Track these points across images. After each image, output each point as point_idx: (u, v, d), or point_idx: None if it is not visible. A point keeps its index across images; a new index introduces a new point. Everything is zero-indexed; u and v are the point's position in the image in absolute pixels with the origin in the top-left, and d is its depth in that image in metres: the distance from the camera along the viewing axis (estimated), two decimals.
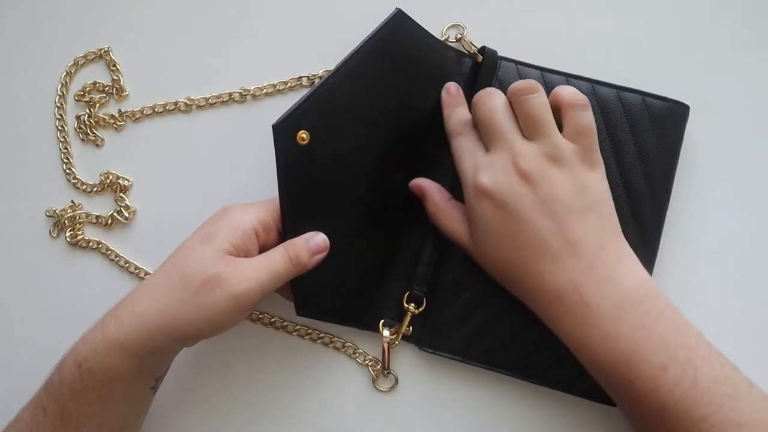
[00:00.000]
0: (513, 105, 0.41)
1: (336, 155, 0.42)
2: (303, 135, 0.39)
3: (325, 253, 0.42)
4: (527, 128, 0.41)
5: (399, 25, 0.43)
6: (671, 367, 0.36)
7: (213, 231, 0.40)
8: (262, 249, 0.41)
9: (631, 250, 0.40)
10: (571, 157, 0.40)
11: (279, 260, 0.40)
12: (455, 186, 0.45)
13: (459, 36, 0.48)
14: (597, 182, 0.40)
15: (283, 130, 0.39)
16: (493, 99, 0.42)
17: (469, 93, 0.46)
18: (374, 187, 0.44)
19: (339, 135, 0.42)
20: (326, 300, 0.44)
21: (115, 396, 0.39)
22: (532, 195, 0.39)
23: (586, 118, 0.40)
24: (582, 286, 0.38)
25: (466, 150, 0.42)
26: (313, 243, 0.41)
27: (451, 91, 0.46)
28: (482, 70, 0.46)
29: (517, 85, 0.41)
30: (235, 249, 0.39)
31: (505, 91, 0.45)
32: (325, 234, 0.42)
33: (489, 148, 0.41)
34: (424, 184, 0.45)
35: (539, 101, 0.40)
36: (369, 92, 0.42)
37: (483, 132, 0.42)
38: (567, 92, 0.41)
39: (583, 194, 0.39)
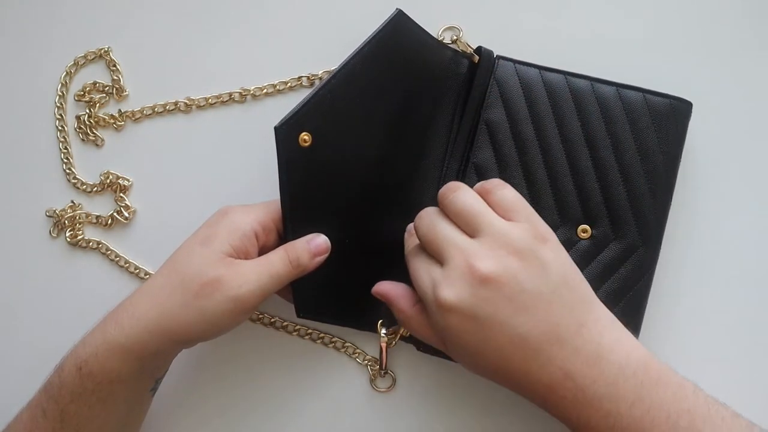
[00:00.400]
0: (445, 212, 0.40)
1: (336, 156, 0.42)
2: (305, 137, 0.39)
3: (326, 255, 0.41)
4: (467, 227, 0.38)
5: (399, 25, 0.43)
6: None
7: (212, 233, 0.40)
8: (262, 250, 0.41)
9: (610, 314, 0.38)
10: (520, 238, 0.37)
11: (279, 262, 0.40)
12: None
13: (455, 38, 0.48)
14: (556, 255, 0.38)
15: (286, 132, 0.39)
16: (426, 217, 0.40)
17: (467, 93, 0.46)
18: (373, 188, 0.44)
19: (339, 136, 0.42)
20: (326, 302, 0.44)
21: (116, 398, 0.39)
22: (499, 295, 0.36)
23: (507, 194, 0.39)
24: (572, 372, 0.36)
25: (420, 268, 0.39)
26: (314, 245, 0.41)
27: (410, 229, 0.43)
28: (479, 70, 0.46)
29: (440, 192, 0.40)
30: (235, 251, 0.39)
31: (505, 91, 0.45)
32: (326, 235, 0.42)
33: (441, 262, 0.38)
34: (388, 290, 0.42)
35: (464, 196, 0.39)
36: (369, 93, 0.42)
37: (430, 250, 0.39)
38: (479, 184, 0.40)
39: (547, 275, 0.37)
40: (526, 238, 0.37)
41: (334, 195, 0.42)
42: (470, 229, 0.38)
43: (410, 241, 0.43)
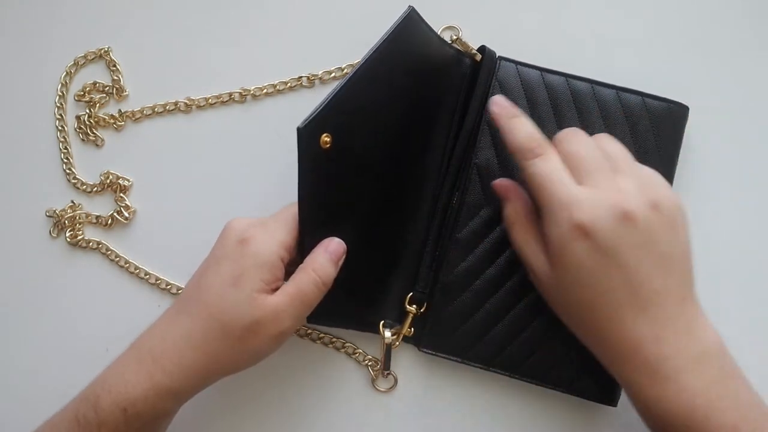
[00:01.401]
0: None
1: (351, 157, 0.41)
2: (326, 138, 0.38)
3: (344, 257, 0.41)
4: (614, 165, 0.39)
5: (412, 23, 0.43)
6: (742, 427, 0.35)
7: (240, 272, 0.39)
8: (286, 265, 0.41)
9: (700, 305, 0.39)
10: (666, 197, 0.37)
11: (312, 288, 0.39)
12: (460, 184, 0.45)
13: (454, 37, 0.48)
14: (686, 228, 0.38)
15: (308, 134, 0.37)
16: (581, 135, 0.40)
17: (468, 92, 0.46)
18: (382, 189, 0.44)
19: (355, 137, 0.41)
20: (334, 305, 0.43)
21: (157, 430, 0.41)
22: (633, 238, 0.36)
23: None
24: (663, 338, 0.36)
25: (555, 179, 0.38)
26: (333, 251, 0.41)
27: (501, 102, 0.41)
28: (481, 69, 0.46)
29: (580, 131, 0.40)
30: (267, 285, 0.39)
31: (507, 92, 0.45)
32: (339, 237, 0.41)
33: (581, 180, 0.38)
34: (510, 187, 0.42)
35: (613, 142, 0.40)
36: (382, 92, 0.42)
37: (576, 165, 0.38)
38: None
39: (677, 240, 0.37)
40: (669, 199, 0.37)
41: (347, 196, 0.42)
42: (614, 167, 0.38)
43: (520, 126, 0.40)
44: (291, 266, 0.41)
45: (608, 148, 0.39)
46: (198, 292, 0.40)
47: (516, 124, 0.40)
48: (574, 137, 0.39)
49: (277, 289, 0.39)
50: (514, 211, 0.42)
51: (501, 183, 0.43)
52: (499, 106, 0.41)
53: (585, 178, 0.38)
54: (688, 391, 0.36)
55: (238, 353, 0.39)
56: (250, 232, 0.40)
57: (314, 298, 0.40)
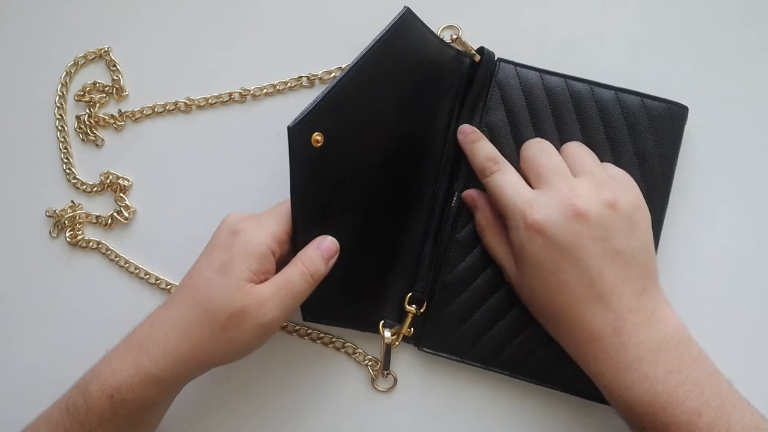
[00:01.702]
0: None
1: (345, 157, 0.41)
2: (317, 137, 0.39)
3: (336, 255, 0.41)
4: (572, 167, 0.41)
5: (407, 23, 0.43)
6: (705, 413, 0.36)
7: (229, 259, 0.39)
8: (278, 261, 0.41)
9: (664, 295, 0.40)
10: (622, 195, 0.40)
11: (299, 280, 0.39)
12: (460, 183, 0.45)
13: (454, 37, 0.48)
14: (646, 225, 0.40)
15: (299, 132, 0.38)
16: (538, 144, 0.43)
17: (468, 93, 0.46)
18: (378, 189, 0.44)
19: (349, 136, 0.41)
20: (332, 304, 0.43)
21: (146, 420, 0.41)
22: (586, 234, 0.39)
23: (613, 170, 0.42)
24: (621, 329, 0.38)
25: (509, 185, 0.41)
26: (325, 249, 0.41)
27: (466, 130, 0.45)
28: (480, 69, 0.46)
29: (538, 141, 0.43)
30: (255, 274, 0.39)
31: (506, 94, 0.45)
32: (333, 236, 0.41)
33: (538, 186, 0.41)
34: (477, 196, 0.45)
35: (576, 146, 0.43)
36: (377, 92, 0.42)
37: (533, 171, 0.42)
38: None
39: (633, 237, 0.39)
40: (627, 198, 0.40)
41: (342, 195, 0.42)
42: (575, 171, 0.41)
43: (480, 148, 0.44)
44: (284, 264, 0.41)
45: (574, 152, 0.42)
46: (188, 280, 0.41)
47: (476, 147, 0.44)
48: (536, 145, 0.43)
49: (266, 280, 0.40)
50: (484, 217, 0.44)
51: (469, 193, 0.45)
52: (464, 133, 0.45)
53: (541, 182, 0.41)
54: (649, 380, 0.37)
55: (222, 342, 0.39)
56: (241, 224, 0.41)
57: (302, 290, 0.40)
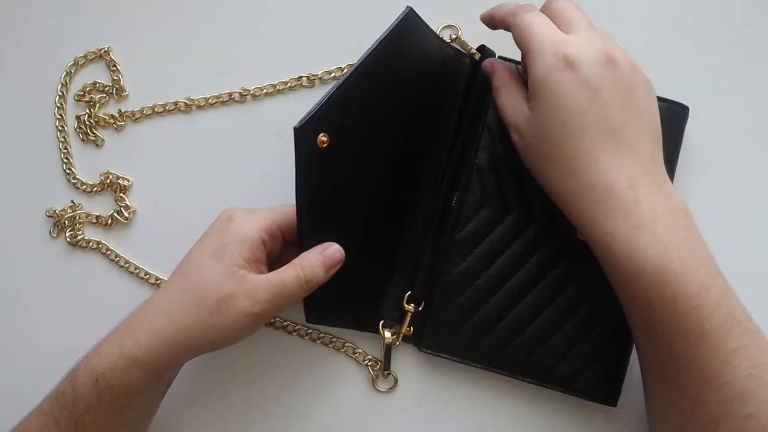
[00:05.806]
0: None
1: (349, 158, 0.41)
2: (323, 138, 0.38)
3: (340, 265, 0.41)
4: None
5: (410, 23, 0.43)
6: (713, 288, 0.35)
7: (222, 244, 0.40)
8: (269, 254, 0.42)
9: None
10: (636, 71, 0.39)
11: (293, 284, 0.39)
12: (453, 180, 0.45)
13: (454, 36, 0.48)
14: (655, 102, 0.40)
15: (304, 133, 0.37)
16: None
17: (469, 92, 0.46)
18: (381, 189, 0.44)
19: (352, 137, 0.41)
20: (335, 306, 0.43)
21: (132, 408, 0.40)
22: (614, 79, 0.38)
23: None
24: (638, 185, 0.37)
25: (543, 25, 0.40)
26: (329, 257, 0.40)
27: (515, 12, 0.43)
28: (480, 70, 0.46)
29: None
30: (246, 262, 0.39)
31: None
32: (337, 237, 0.41)
33: (569, 31, 0.40)
34: (494, 62, 0.45)
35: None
36: (380, 92, 0.42)
37: (564, 18, 0.40)
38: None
39: (651, 102, 0.39)
40: (642, 70, 0.40)
41: (346, 197, 0.42)
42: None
43: (506, 4, 0.43)
44: (279, 263, 0.41)
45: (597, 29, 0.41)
46: (181, 265, 0.41)
47: (503, 4, 0.43)
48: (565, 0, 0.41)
49: (257, 271, 0.40)
50: (500, 77, 0.43)
51: (488, 61, 0.45)
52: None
53: (572, 28, 0.39)
54: (663, 243, 0.36)
55: (208, 327, 0.38)
56: (236, 214, 0.41)
57: (294, 294, 0.39)
